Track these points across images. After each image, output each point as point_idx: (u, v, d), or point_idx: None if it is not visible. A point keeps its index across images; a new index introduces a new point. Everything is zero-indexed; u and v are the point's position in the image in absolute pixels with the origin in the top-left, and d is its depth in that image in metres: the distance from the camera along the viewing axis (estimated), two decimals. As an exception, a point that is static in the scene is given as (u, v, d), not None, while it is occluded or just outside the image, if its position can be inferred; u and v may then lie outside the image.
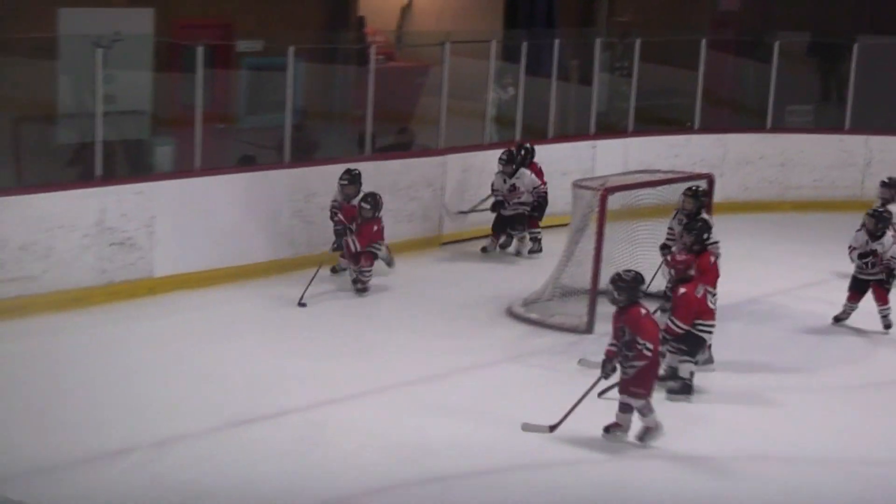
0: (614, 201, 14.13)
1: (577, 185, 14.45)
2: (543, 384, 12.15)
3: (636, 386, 10.84)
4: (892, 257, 14.01)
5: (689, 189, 14.18)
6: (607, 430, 10.94)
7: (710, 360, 12.78)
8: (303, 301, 13.94)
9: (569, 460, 10.54)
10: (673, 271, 12.04)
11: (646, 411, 10.86)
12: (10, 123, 14.88)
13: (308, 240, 15.38)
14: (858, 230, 14.20)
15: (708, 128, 19.84)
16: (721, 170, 18.02)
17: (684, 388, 11.99)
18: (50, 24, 14.89)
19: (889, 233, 14.11)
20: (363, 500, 9.75)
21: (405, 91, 18.76)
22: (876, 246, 14.02)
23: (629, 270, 11.09)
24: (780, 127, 20.45)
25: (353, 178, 14.67)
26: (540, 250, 16.50)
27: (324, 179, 15.40)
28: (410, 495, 9.88)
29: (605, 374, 10.95)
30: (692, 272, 11.92)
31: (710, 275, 12.75)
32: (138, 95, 15.66)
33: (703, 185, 14.44)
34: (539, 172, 16.68)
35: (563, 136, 18.76)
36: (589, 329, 13.71)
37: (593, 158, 18.37)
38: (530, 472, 10.35)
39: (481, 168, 17.01)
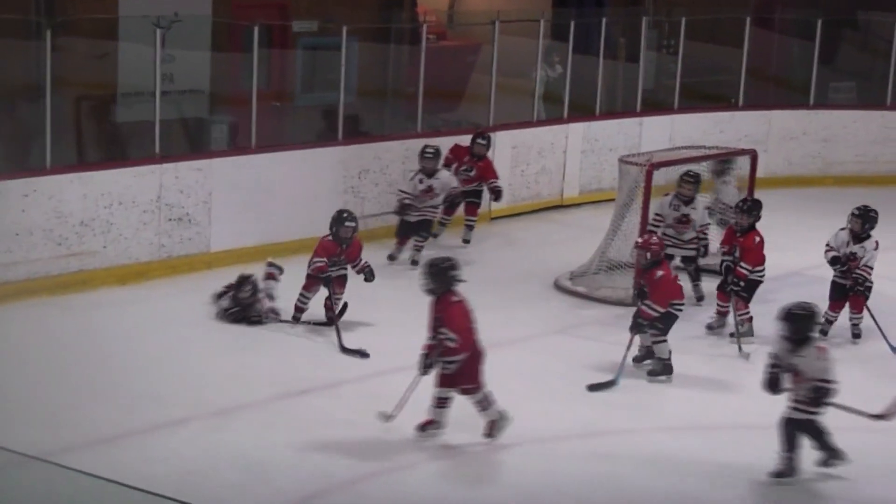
0: (660, 176, 14.00)
1: (624, 161, 14.33)
2: (591, 355, 12.03)
3: (466, 381, 9.97)
4: (867, 266, 12.68)
5: (688, 174, 13.82)
6: (422, 428, 10.05)
7: (749, 333, 12.65)
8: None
9: (618, 429, 10.44)
10: (649, 254, 11.65)
11: (485, 405, 10.07)
12: (72, 102, 14.85)
13: (360, 214, 15.30)
14: (842, 229, 12.86)
15: (752, 104, 19.65)
16: (765, 145, 17.82)
17: (665, 369, 11.64)
18: (111, 5, 14.85)
19: (873, 239, 12.75)
20: (420, 467, 9.68)
21: (457, 69, 18.63)
22: (856, 249, 12.63)
23: (444, 258, 10.34)
24: (822, 103, 20.21)
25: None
26: (469, 241, 15.51)
27: (377, 156, 15.41)
28: (464, 461, 9.81)
29: (423, 371, 10.09)
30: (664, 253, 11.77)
31: (754, 254, 12.59)
32: (197, 75, 15.59)
33: (701, 170, 14.13)
34: (488, 168, 15.51)
35: (610, 114, 18.60)
36: (635, 302, 13.54)
37: (640, 135, 18.21)
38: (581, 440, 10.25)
39: (530, 144, 16.86)
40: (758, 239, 12.82)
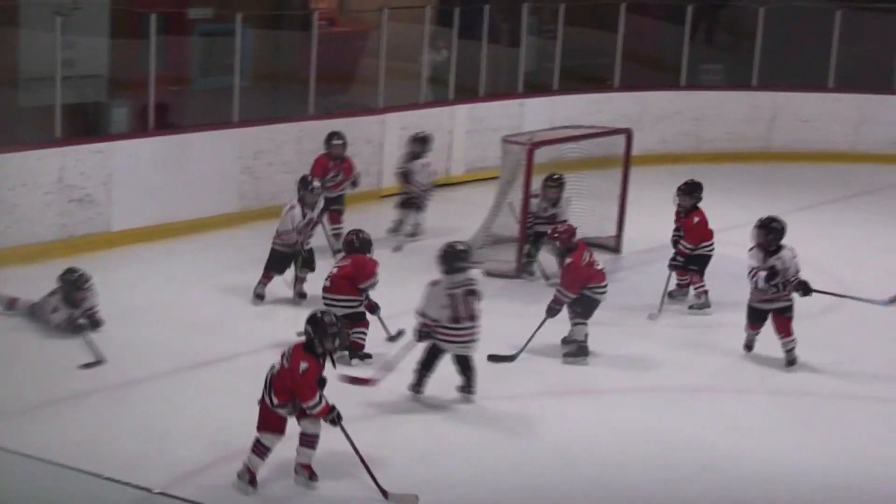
0: (541, 155, 14.16)
1: (506, 141, 14.48)
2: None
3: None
4: (796, 274, 11.64)
5: (551, 178, 13.80)
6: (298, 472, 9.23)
7: (706, 304, 13.08)
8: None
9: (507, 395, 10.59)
10: (558, 243, 11.74)
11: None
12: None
13: (256, 194, 15.41)
14: (751, 248, 11.73)
15: (628, 86, 19.89)
16: (640, 125, 18.01)
17: (580, 351, 11.64)
18: (12, -7, 14.74)
19: (787, 247, 11.64)
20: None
21: (347, 54, 18.66)
22: (774, 262, 11.51)
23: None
24: (694, 84, 20.54)
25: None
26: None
27: (271, 137, 15.55)
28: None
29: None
30: (575, 240, 11.77)
31: (691, 233, 13.09)
32: (96, 60, 15.46)
33: (562, 174, 13.99)
34: (350, 166, 14.51)
35: (493, 95, 18.74)
36: (518, 274, 13.75)
37: (522, 115, 18.37)
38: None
39: (418, 125, 16.97)
40: (697, 219, 13.08)
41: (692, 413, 10.62)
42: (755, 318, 11.82)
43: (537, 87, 19.33)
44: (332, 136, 14.46)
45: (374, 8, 17.49)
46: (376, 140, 16.72)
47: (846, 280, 13.78)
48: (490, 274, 13.76)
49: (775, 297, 11.57)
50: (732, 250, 14.07)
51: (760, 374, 11.55)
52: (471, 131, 17.92)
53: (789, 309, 11.62)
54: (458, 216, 15.63)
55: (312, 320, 9.03)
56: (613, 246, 14.77)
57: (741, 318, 11.93)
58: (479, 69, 18.41)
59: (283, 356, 8.96)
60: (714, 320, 12.83)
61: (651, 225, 14.97)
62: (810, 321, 12.05)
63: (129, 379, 10.61)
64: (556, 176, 13.88)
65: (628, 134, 15.02)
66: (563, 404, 10.71)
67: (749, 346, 12.00)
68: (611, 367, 11.52)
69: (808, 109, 20.74)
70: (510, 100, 18.68)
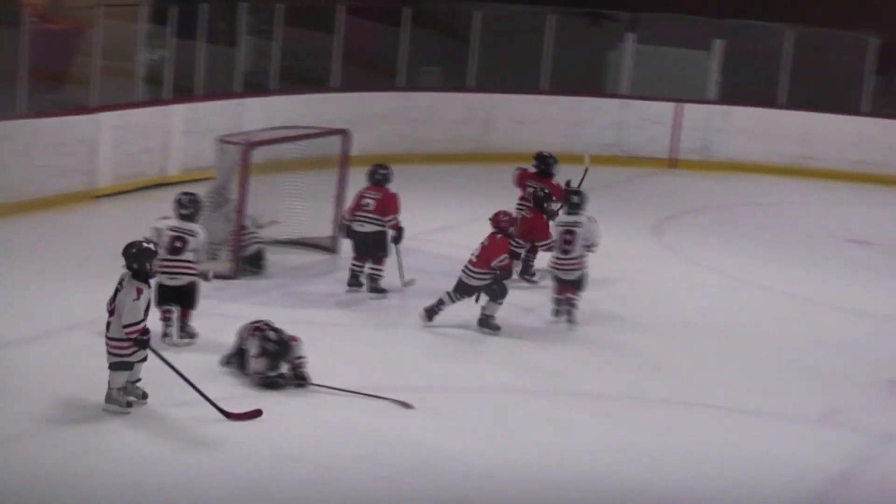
0: (258, 155, 14.11)
1: (222, 141, 14.35)
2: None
3: None
4: (590, 244, 12.92)
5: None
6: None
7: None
8: None
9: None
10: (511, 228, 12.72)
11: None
12: None
13: None
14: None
15: (347, 87, 20.01)
16: (358, 125, 18.13)
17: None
18: None
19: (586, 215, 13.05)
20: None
21: (60, 52, 18.25)
22: (575, 228, 12.89)
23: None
24: (412, 86, 20.83)
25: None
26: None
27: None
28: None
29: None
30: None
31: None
32: None
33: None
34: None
35: (211, 95, 18.57)
36: (235, 275, 13.66)
37: (240, 115, 18.25)
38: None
39: (134, 125, 16.71)
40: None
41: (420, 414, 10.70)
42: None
43: (256, 87, 19.26)
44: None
45: (88, 5, 17.13)
46: (90, 140, 16.36)
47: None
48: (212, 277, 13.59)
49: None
50: (448, 250, 14.39)
51: (481, 372, 11.75)
52: (188, 131, 17.72)
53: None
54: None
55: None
56: (330, 246, 14.82)
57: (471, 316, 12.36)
58: (196, 68, 18.24)
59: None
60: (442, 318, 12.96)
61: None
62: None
63: None
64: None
65: (346, 135, 15.11)
66: (290, 404, 10.65)
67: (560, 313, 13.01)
68: (340, 366, 11.49)
69: (523, 111, 21.28)
70: (228, 100, 18.54)
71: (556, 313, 13.03)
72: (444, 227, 15.72)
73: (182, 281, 11.70)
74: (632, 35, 22.38)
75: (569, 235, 12.90)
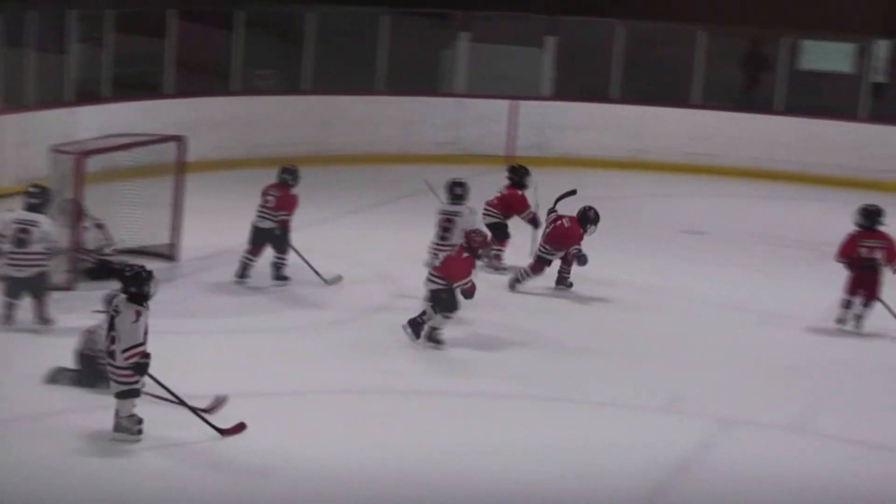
0: (93, 164, 13.90)
1: (55, 150, 14.09)
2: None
3: None
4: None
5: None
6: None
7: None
8: None
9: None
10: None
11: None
12: None
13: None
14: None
15: (182, 93, 19.80)
16: (195, 131, 17.95)
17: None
18: None
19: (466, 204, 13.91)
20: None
21: None
22: (455, 217, 13.76)
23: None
24: (247, 90, 20.70)
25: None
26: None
27: None
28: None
29: None
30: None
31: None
32: None
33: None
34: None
35: (42, 104, 18.22)
36: (70, 286, 13.42)
37: (73, 124, 17.89)
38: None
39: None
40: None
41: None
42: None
43: (88, 95, 18.96)
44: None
45: None
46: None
47: (401, 279, 14.31)
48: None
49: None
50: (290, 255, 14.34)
51: (330, 375, 11.73)
52: (20, 143, 17.36)
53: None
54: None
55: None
56: (168, 253, 14.66)
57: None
58: (26, 78, 17.88)
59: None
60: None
61: (209, 231, 15.04)
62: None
63: None
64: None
65: (181, 141, 14.95)
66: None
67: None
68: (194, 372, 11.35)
69: (360, 112, 21.31)
70: (60, 108, 18.21)
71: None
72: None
73: (29, 272, 11.71)
74: (465, 34, 22.54)
75: (448, 223, 13.57)
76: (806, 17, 24.95)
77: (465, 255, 12.45)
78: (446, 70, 22.86)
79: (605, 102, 22.59)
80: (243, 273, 14.01)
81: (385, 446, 10.13)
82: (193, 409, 9.97)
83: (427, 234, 14.64)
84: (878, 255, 13.50)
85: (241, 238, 14.32)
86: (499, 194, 15.29)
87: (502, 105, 22.05)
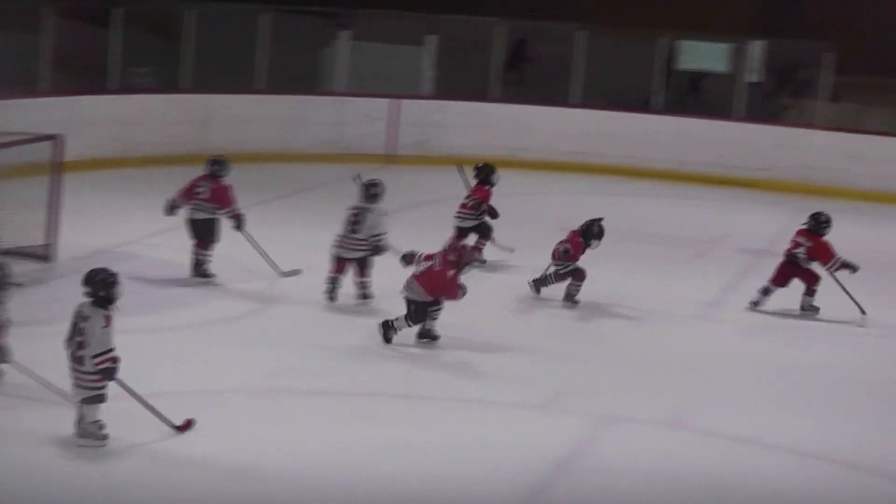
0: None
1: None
2: None
3: None
4: (377, 234, 13.56)
5: None
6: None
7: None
8: None
9: None
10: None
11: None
12: None
13: None
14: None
15: (57, 91, 19.48)
16: (70, 130, 17.66)
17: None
18: None
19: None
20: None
21: None
22: (365, 212, 13.62)
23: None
24: (125, 88, 20.45)
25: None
26: None
27: None
28: None
29: None
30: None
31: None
32: None
33: None
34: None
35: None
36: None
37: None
38: None
39: None
40: None
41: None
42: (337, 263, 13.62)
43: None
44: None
45: None
46: None
47: (277, 280, 14.28)
48: None
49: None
50: (168, 254, 14.21)
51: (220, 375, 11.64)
52: None
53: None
54: None
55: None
56: (44, 254, 14.41)
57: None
58: None
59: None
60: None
61: (86, 231, 14.83)
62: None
63: None
64: None
65: (57, 140, 14.72)
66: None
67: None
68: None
69: (241, 111, 21.15)
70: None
71: (330, 290, 13.56)
72: (164, 230, 15.46)
73: None
74: (346, 32, 22.50)
75: (357, 217, 13.53)
76: (683, 17, 25.35)
77: (452, 272, 12.39)
78: (327, 68, 22.79)
79: (486, 101, 22.70)
80: (197, 270, 14.13)
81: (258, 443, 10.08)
82: (150, 406, 9.91)
83: (308, 233, 14.63)
84: (801, 251, 14.16)
85: (117, 237, 14.16)
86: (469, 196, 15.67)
87: (383, 104, 22.05)
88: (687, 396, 11.85)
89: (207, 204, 14.11)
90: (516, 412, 11.26)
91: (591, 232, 14.35)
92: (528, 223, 18.01)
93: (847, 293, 14.16)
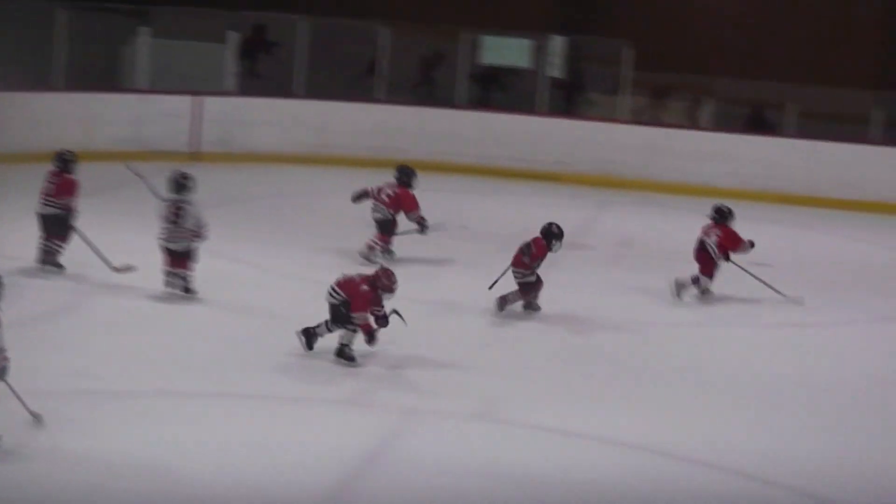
0: None
1: None
2: None
3: None
4: (200, 227, 13.68)
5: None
6: None
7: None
8: None
9: None
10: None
11: None
12: None
13: None
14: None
15: None
16: None
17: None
18: None
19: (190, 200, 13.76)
20: None
21: None
22: (184, 204, 13.62)
23: None
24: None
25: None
26: None
27: None
28: None
29: None
30: None
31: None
32: None
33: None
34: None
35: None
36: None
37: None
38: None
39: None
40: None
41: None
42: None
43: None
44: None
45: None
46: None
47: (86, 277, 14.06)
48: None
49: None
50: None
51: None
52: None
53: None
54: None
55: None
56: None
57: None
58: None
59: None
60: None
61: None
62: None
63: None
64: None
65: None
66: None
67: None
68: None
69: (37, 110, 20.66)
70: None
71: (168, 284, 13.66)
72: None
73: None
74: (146, 29, 22.17)
75: (178, 210, 13.55)
76: (485, 13, 25.62)
77: (366, 287, 12.13)
78: (127, 66, 22.41)
79: (290, 98, 22.60)
80: (45, 259, 14.22)
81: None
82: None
83: (108, 233, 14.44)
84: (712, 240, 15.07)
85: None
86: (390, 192, 16.01)
87: (185, 101, 21.78)
88: (492, 388, 11.95)
89: (54, 199, 14.29)
90: (317, 408, 11.22)
91: (551, 233, 14.17)
92: (332, 220, 18.00)
93: (764, 282, 15.11)
